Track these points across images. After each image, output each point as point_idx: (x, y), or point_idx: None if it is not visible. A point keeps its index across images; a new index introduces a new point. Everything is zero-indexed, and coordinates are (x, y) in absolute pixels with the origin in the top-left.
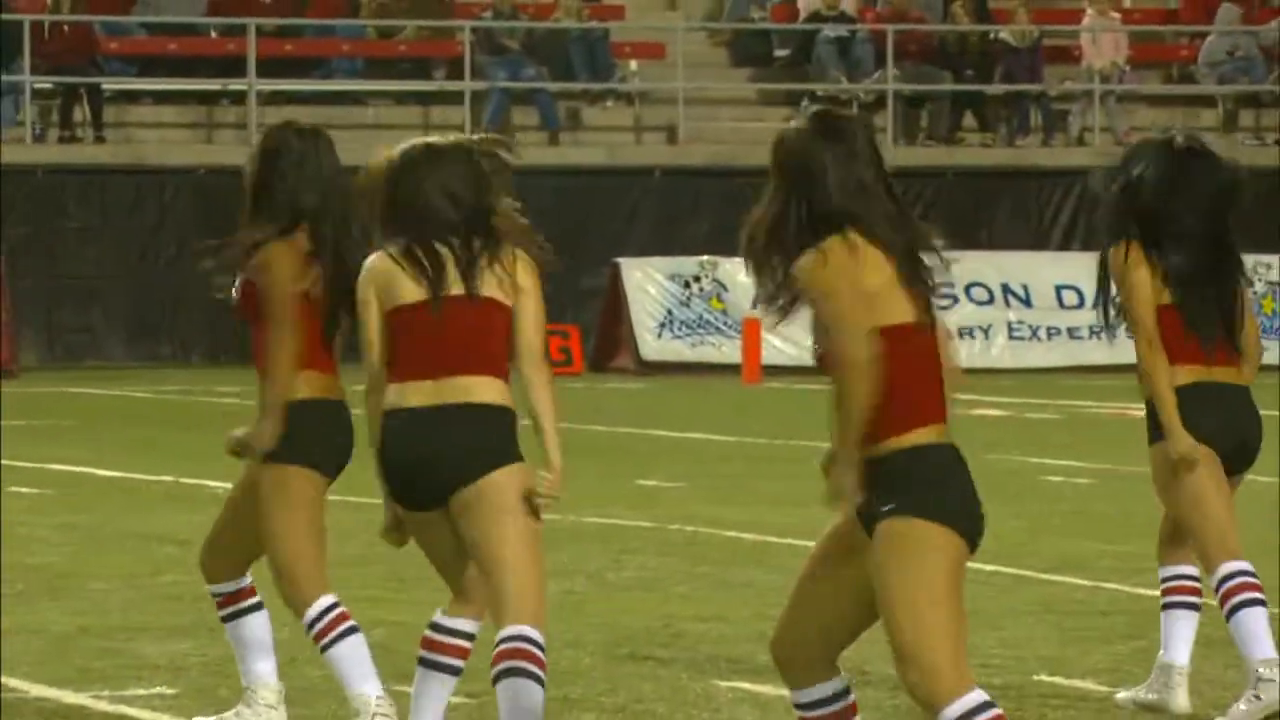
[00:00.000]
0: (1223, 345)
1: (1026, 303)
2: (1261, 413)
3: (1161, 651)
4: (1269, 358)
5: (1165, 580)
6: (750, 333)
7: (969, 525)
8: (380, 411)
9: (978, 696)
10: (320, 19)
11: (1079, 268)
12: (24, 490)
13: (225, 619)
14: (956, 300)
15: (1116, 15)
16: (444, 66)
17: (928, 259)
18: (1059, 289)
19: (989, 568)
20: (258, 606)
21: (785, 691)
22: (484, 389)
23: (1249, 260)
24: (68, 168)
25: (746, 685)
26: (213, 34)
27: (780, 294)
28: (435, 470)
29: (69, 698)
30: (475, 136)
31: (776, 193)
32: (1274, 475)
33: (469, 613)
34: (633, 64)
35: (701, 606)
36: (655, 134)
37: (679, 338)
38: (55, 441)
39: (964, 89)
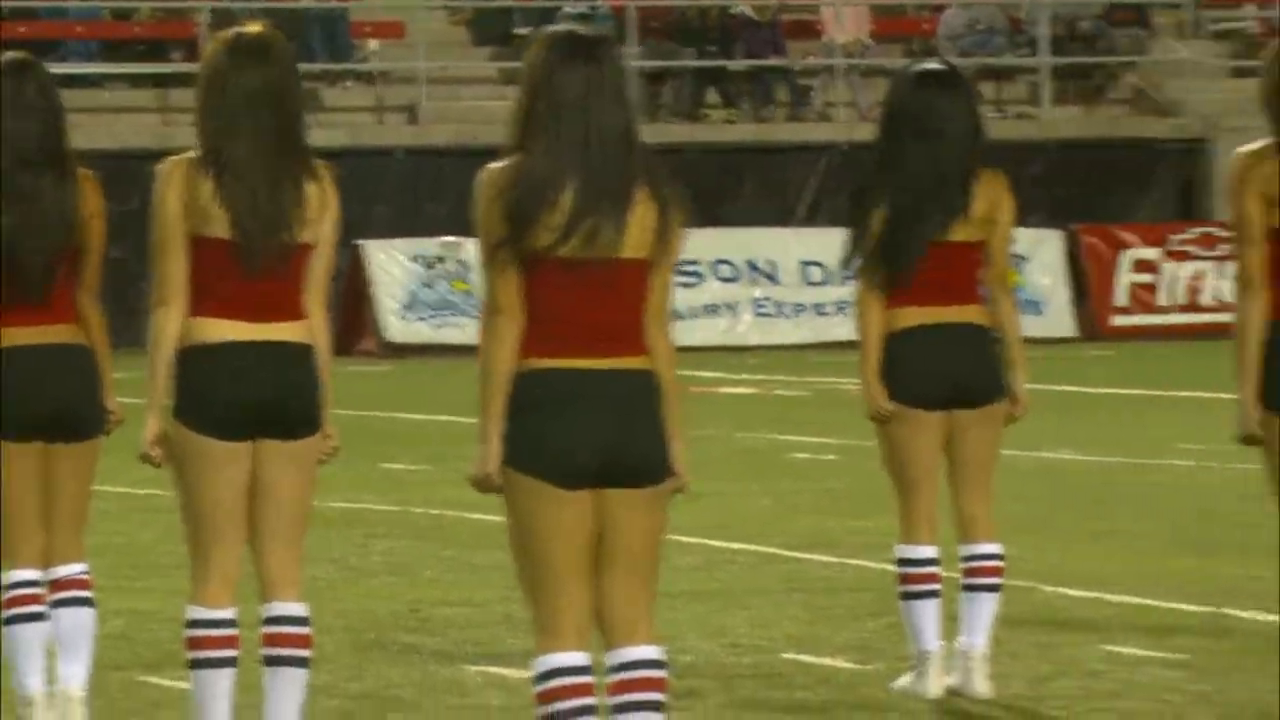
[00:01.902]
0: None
1: (773, 279)
2: (1030, 387)
3: (961, 635)
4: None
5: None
6: None
7: None
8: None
9: None
10: (54, 1)
11: (825, 243)
12: None
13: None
14: (702, 278)
15: None
16: (181, 48)
17: None
18: (805, 265)
19: (736, 546)
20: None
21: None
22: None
23: None
24: None
25: (494, 669)
26: None
27: None
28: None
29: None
30: None
31: None
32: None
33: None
34: (373, 43)
35: (449, 591)
36: (396, 114)
37: (423, 320)
38: None
39: (706, 64)
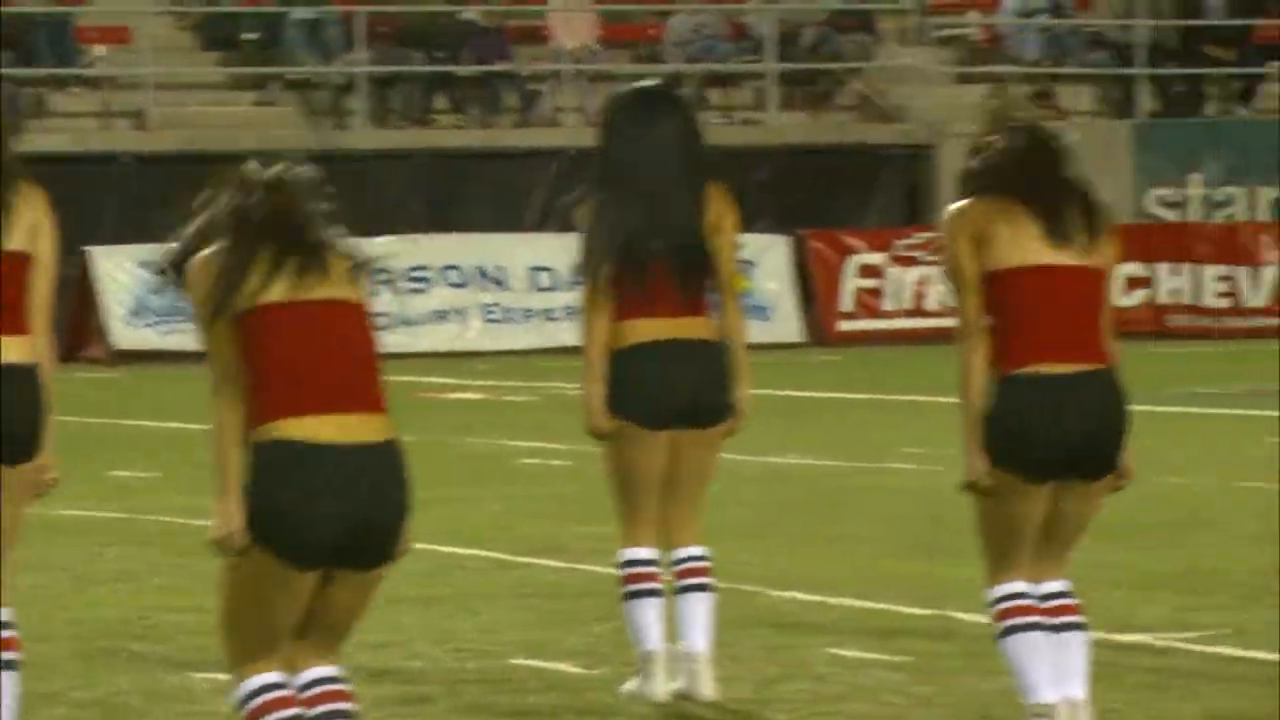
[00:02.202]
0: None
1: (502, 285)
2: (757, 392)
3: (681, 640)
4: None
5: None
6: None
7: None
8: None
9: None
10: None
11: (554, 249)
12: None
13: None
14: (431, 284)
15: None
16: None
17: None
18: (534, 271)
19: (465, 551)
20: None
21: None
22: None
23: None
24: None
25: (223, 676)
26: None
27: None
28: None
29: None
30: None
31: None
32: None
33: None
34: (99, 49)
35: (178, 598)
36: (123, 120)
37: (150, 326)
38: None
39: (435, 70)
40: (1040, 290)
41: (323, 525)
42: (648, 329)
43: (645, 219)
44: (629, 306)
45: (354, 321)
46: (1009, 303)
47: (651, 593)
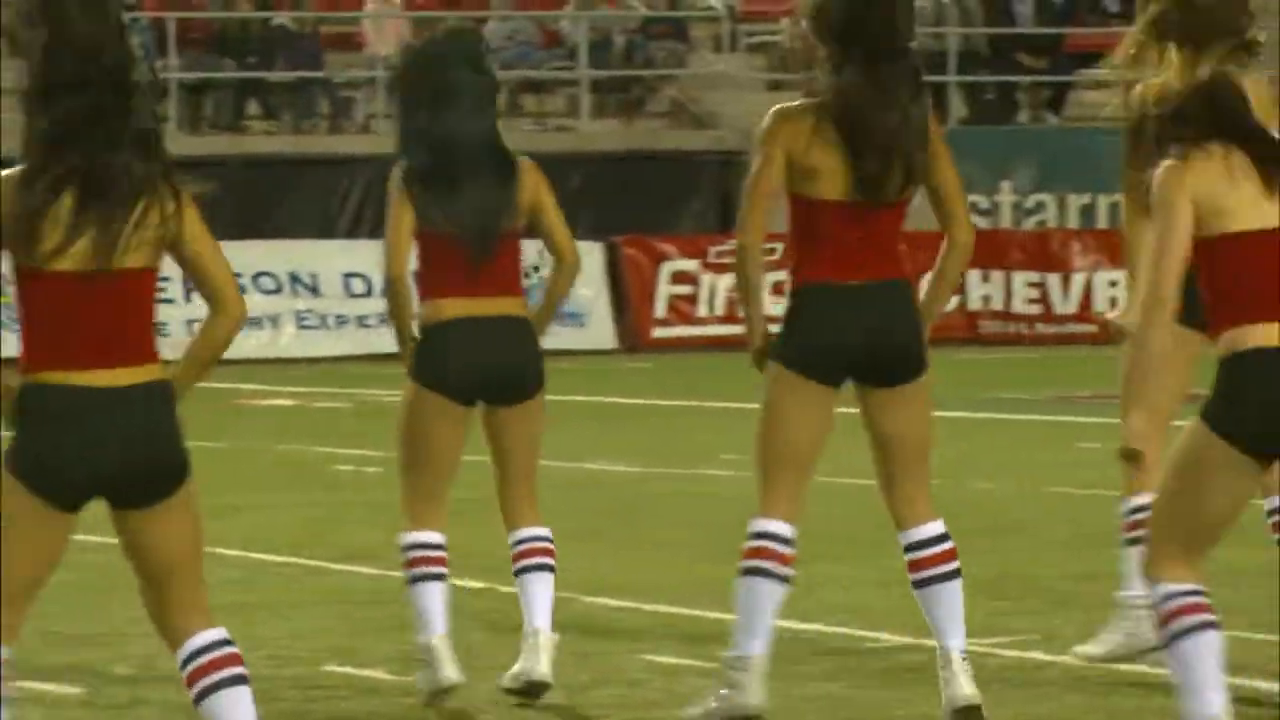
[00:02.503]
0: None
1: (315, 291)
2: (571, 399)
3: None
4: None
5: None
6: None
7: None
8: None
9: None
10: None
11: (367, 256)
12: None
13: None
14: (245, 290)
15: (398, 1)
16: None
17: None
18: (347, 277)
19: (279, 559)
20: None
21: None
22: None
23: (534, 245)
24: None
25: (36, 685)
26: None
27: None
28: None
29: None
30: None
31: None
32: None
33: None
34: None
35: None
36: None
37: None
38: None
39: (247, 76)
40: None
41: (78, 464)
42: (460, 306)
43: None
44: (441, 284)
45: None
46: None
47: (438, 577)
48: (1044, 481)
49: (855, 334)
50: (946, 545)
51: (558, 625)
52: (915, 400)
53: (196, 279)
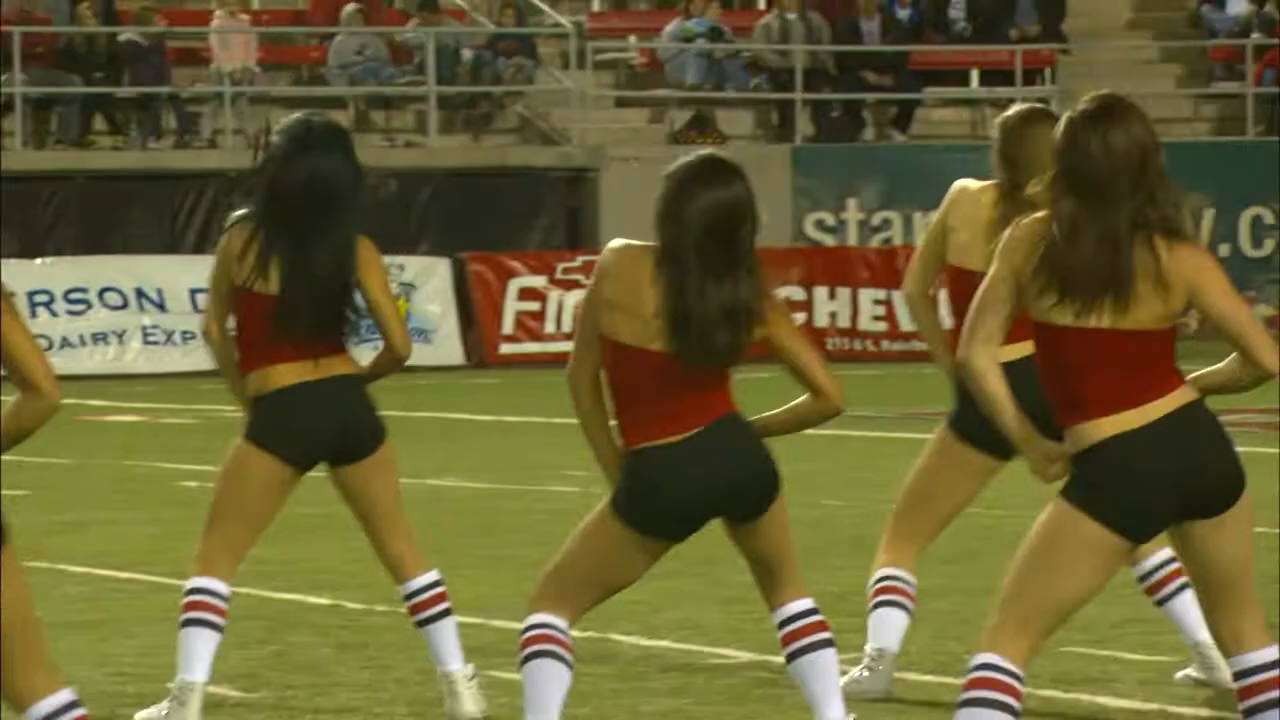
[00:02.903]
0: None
1: (161, 307)
2: (418, 415)
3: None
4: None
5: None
6: None
7: None
8: None
9: None
10: None
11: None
12: None
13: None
14: (90, 306)
15: (246, 17)
16: None
17: None
18: (193, 293)
19: (125, 575)
20: None
21: None
22: None
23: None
24: None
25: None
26: None
27: None
28: None
29: None
30: None
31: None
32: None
33: None
34: None
35: None
36: None
37: None
38: None
39: (94, 91)
40: None
41: None
42: (296, 372)
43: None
44: (270, 351)
45: None
46: None
47: (214, 626)
48: (890, 499)
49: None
50: (816, 618)
51: (404, 643)
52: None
53: (8, 365)
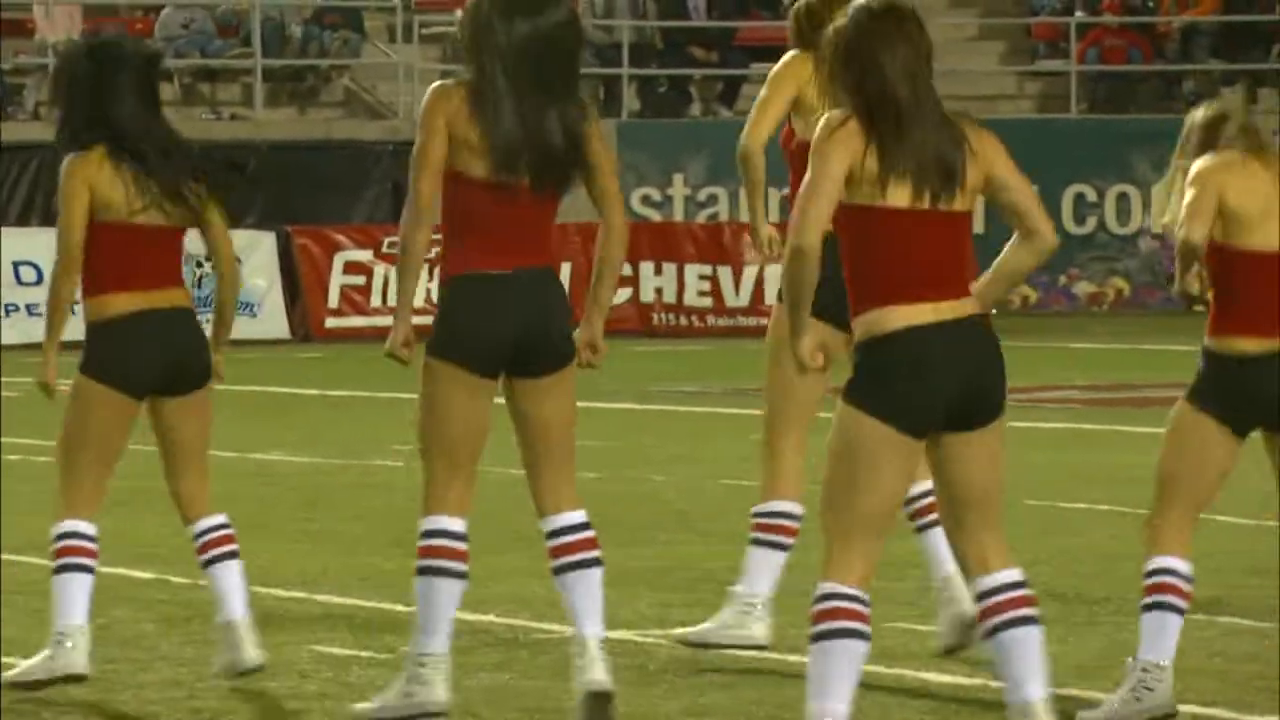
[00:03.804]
0: None
1: None
2: (243, 388)
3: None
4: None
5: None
6: None
7: None
8: None
9: None
10: None
11: (38, 244)
12: None
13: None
14: None
15: None
16: None
17: None
18: (16, 265)
19: None
20: None
21: None
22: None
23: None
24: None
25: None
26: None
27: None
28: None
29: None
30: None
31: None
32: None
33: None
34: None
35: None
36: None
37: None
38: None
39: None
40: None
41: None
42: (130, 301)
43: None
44: (109, 280)
45: None
46: None
47: (85, 569)
48: (716, 474)
49: (509, 325)
50: (587, 534)
51: None
52: (562, 389)
53: None
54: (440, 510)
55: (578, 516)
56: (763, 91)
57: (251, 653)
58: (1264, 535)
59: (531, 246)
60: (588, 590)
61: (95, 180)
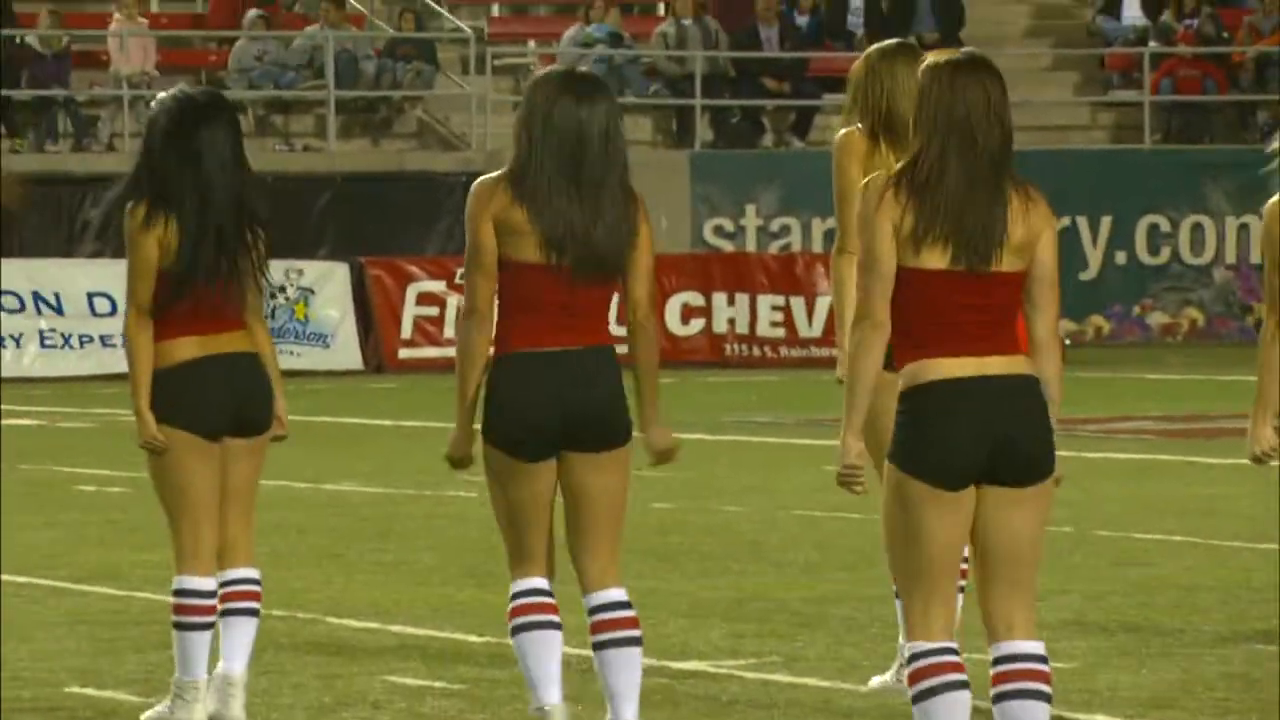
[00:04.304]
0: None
1: (58, 310)
2: (317, 419)
3: (221, 662)
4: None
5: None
6: None
7: None
8: None
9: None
10: None
11: (111, 275)
12: None
13: None
14: None
15: (144, 20)
16: None
17: None
18: (91, 296)
19: (21, 579)
20: None
21: None
22: None
23: (281, 266)
24: None
25: None
26: None
27: None
28: None
29: None
30: None
31: None
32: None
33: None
34: None
35: None
36: None
37: None
38: None
39: None
40: None
41: None
42: (197, 345)
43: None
44: (174, 324)
45: None
46: None
47: (197, 626)
48: (789, 505)
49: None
50: (629, 612)
51: (301, 646)
52: (614, 466)
53: None
54: (521, 575)
55: (619, 595)
56: (839, 184)
57: (238, 712)
58: None
59: (585, 325)
60: (627, 667)
61: (160, 234)
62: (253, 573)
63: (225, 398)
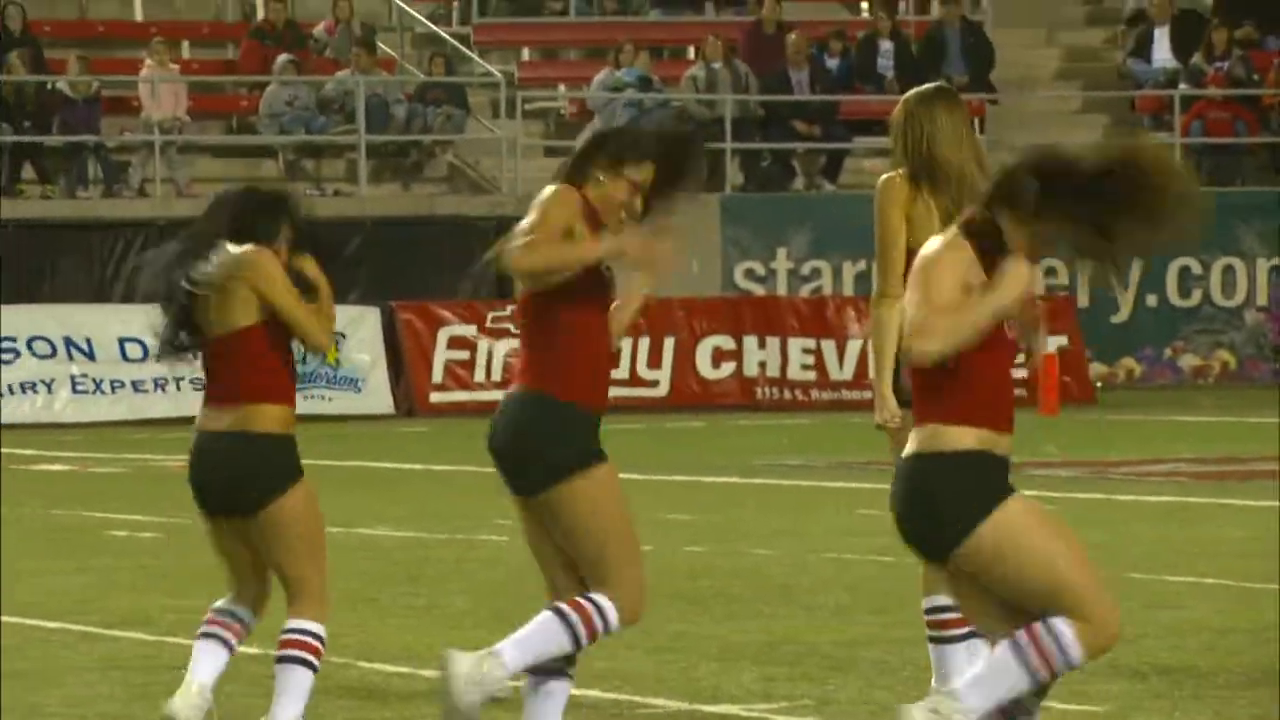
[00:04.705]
0: None
1: (90, 355)
2: (348, 464)
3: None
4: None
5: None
6: None
7: None
8: None
9: None
10: None
11: (143, 320)
12: None
13: None
14: (19, 355)
15: (175, 66)
16: None
17: None
18: (122, 342)
19: (53, 625)
20: None
21: None
22: None
23: None
24: None
25: None
26: None
27: None
28: None
29: None
30: None
31: None
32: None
33: None
34: None
35: None
36: None
37: None
38: None
39: (22, 140)
40: None
41: None
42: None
43: None
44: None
45: None
46: None
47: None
48: (820, 548)
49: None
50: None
51: (334, 690)
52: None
53: None
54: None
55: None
56: (880, 229)
57: None
58: None
59: (520, 367)
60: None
61: None
62: (313, 625)
63: None
